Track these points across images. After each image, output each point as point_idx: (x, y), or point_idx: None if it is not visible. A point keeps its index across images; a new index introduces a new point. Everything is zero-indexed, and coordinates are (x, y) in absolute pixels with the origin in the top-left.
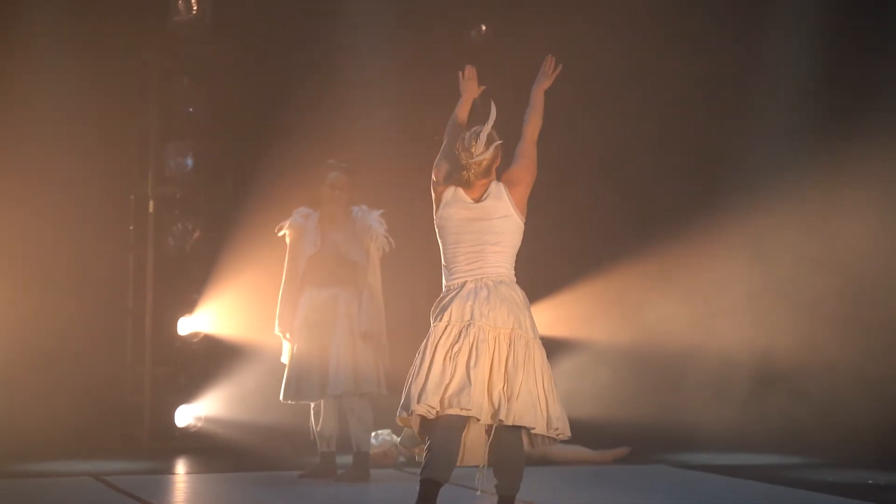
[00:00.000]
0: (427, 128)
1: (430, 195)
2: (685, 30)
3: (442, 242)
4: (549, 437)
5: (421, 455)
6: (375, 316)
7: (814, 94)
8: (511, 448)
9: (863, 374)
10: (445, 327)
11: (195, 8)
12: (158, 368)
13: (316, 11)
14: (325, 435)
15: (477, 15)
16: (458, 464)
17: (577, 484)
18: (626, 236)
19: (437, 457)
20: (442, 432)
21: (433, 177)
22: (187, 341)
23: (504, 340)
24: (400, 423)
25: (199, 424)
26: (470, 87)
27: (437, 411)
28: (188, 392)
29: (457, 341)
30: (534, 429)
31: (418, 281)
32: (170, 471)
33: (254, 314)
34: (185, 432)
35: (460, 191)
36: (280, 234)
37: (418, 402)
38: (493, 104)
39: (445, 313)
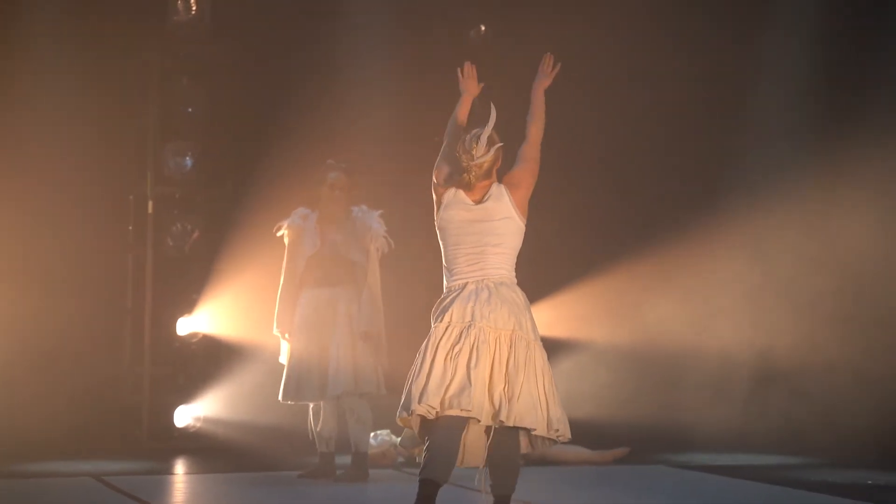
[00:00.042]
0: (427, 128)
1: (431, 196)
2: (685, 30)
3: (443, 244)
4: (549, 439)
5: (421, 456)
6: (375, 316)
7: (814, 94)
8: (508, 449)
9: (863, 373)
10: (446, 328)
11: (194, 8)
12: (157, 368)
13: (315, 11)
14: (325, 435)
15: (476, 15)
16: (458, 465)
17: (576, 484)
18: (625, 236)
19: (436, 457)
20: (442, 433)
21: (434, 178)
22: (186, 341)
23: (505, 342)
24: (400, 424)
25: (198, 425)
26: (469, 87)
27: (437, 412)
28: (187, 392)
29: (457, 342)
30: (534, 430)
31: (417, 281)
32: (169, 471)
33: (253, 314)
34: (184, 432)
35: (461, 192)
36: (279, 234)
37: (419, 402)
38: (492, 106)
39: (446, 314)
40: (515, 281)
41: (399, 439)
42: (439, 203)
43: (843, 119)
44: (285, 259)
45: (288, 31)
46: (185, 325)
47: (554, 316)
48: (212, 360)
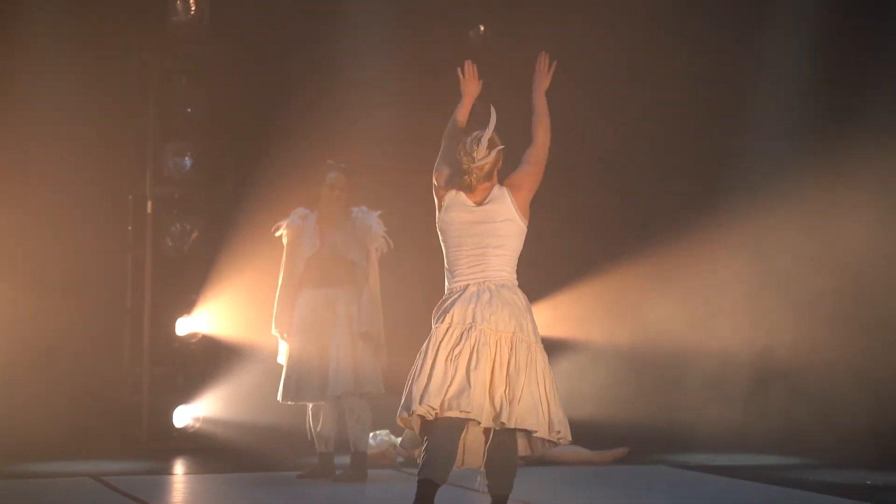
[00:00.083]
0: (426, 128)
1: (430, 196)
2: (685, 30)
3: (444, 246)
4: (549, 441)
5: (421, 457)
6: (375, 316)
7: (814, 94)
8: (507, 449)
9: (862, 373)
10: (447, 329)
11: (193, 8)
12: (156, 369)
13: (315, 11)
14: (324, 435)
15: (476, 15)
16: (458, 466)
17: (576, 484)
18: (625, 236)
19: (434, 457)
20: (441, 433)
21: (434, 181)
22: (185, 342)
23: (505, 344)
24: (400, 424)
25: (198, 425)
26: (470, 88)
27: (437, 413)
28: (186, 392)
29: (458, 343)
30: (536, 432)
31: (416, 281)
32: (168, 471)
33: (252, 315)
34: (184, 433)
35: (462, 194)
36: (277, 234)
37: (420, 403)
38: (492, 108)
39: (447, 315)
40: (517, 283)
41: (398, 439)
42: (440, 205)
43: (843, 119)
44: (284, 259)
45: (287, 31)
46: (185, 326)
47: (554, 316)
48: (211, 360)
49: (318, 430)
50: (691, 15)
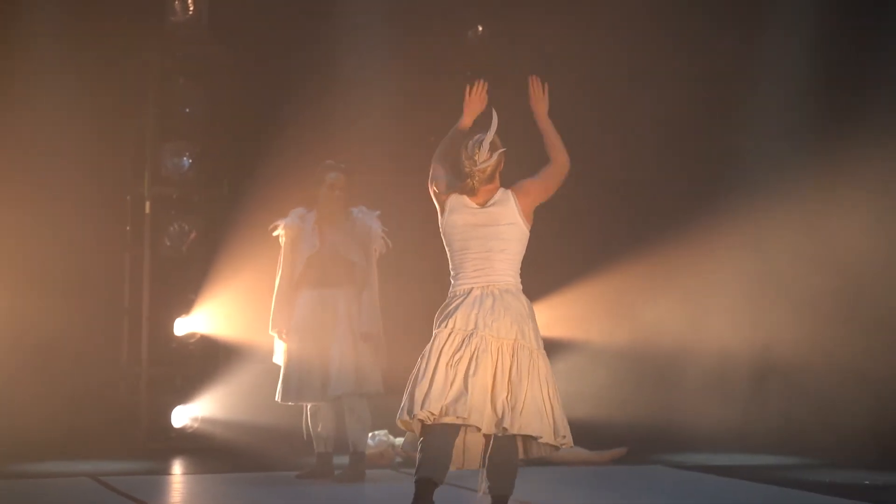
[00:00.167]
0: (425, 128)
1: (429, 197)
2: (685, 30)
3: (449, 249)
4: (550, 445)
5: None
6: (375, 317)
7: (814, 94)
8: (507, 450)
9: (862, 373)
10: (449, 334)
11: (192, 8)
12: (155, 369)
13: (313, 11)
14: (323, 436)
15: (476, 15)
16: (458, 467)
17: (575, 484)
18: (625, 236)
19: (430, 457)
20: (437, 436)
21: (434, 187)
22: (184, 342)
23: (507, 351)
24: (400, 426)
25: (196, 425)
26: (474, 107)
27: (436, 418)
28: (184, 393)
29: (459, 349)
30: (541, 438)
31: (415, 281)
32: (166, 471)
33: (250, 315)
34: (182, 433)
35: (464, 197)
36: (275, 234)
37: (422, 407)
38: (494, 111)
39: (450, 320)
40: (521, 287)
41: (397, 440)
42: (443, 209)
43: (843, 119)
44: (282, 259)
45: (286, 32)
46: (183, 326)
47: (553, 316)
48: (209, 360)
49: (318, 430)
50: (691, 15)
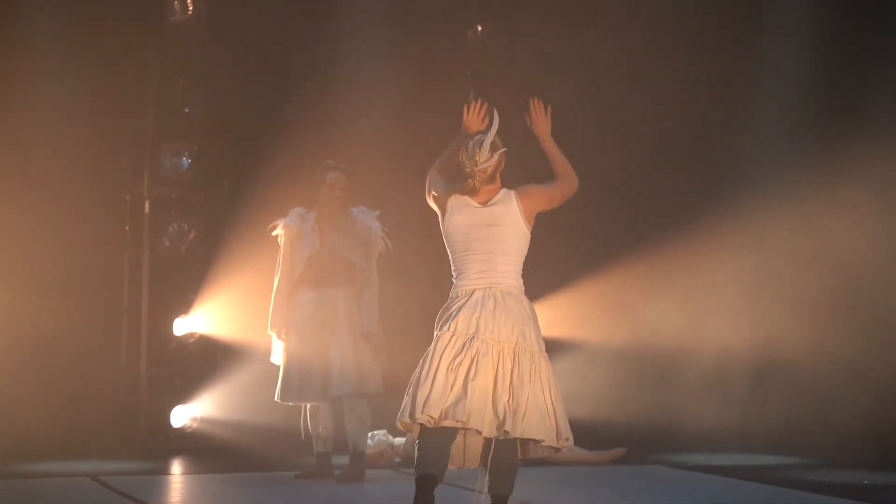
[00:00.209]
0: (424, 128)
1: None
2: (685, 30)
3: (451, 250)
4: (550, 447)
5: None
6: (375, 316)
7: (814, 94)
8: (507, 451)
9: (862, 373)
10: (451, 337)
11: (191, 8)
12: (154, 369)
13: (313, 11)
14: (323, 436)
15: (475, 15)
16: (459, 466)
17: (574, 484)
18: (624, 236)
19: (429, 454)
20: (435, 436)
21: (433, 193)
22: (183, 342)
23: (508, 354)
24: (400, 427)
25: (195, 425)
26: (473, 126)
27: (435, 422)
28: (184, 393)
29: (459, 353)
30: (544, 441)
31: (414, 281)
32: (166, 471)
33: (250, 315)
34: (181, 433)
35: (465, 197)
36: (274, 233)
37: (422, 411)
38: (495, 112)
39: (452, 322)
40: (523, 288)
41: (396, 440)
42: (444, 212)
43: (843, 119)
44: (281, 258)
45: (285, 31)
46: (182, 326)
47: (553, 316)
48: (208, 360)
49: (317, 430)
50: (691, 15)
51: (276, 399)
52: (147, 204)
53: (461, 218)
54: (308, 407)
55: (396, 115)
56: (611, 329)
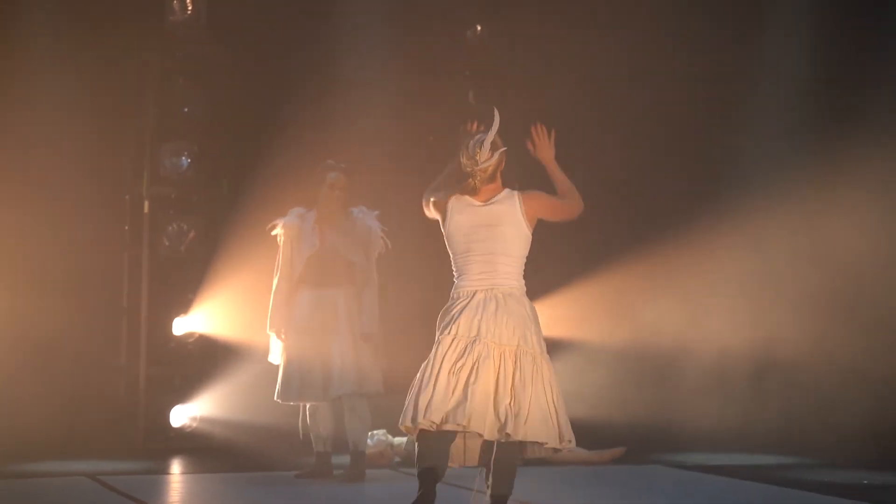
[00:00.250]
0: (424, 128)
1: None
2: (685, 30)
3: (452, 251)
4: (551, 448)
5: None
6: (375, 316)
7: (813, 93)
8: (508, 450)
9: (862, 373)
10: (452, 341)
11: (190, 8)
12: (153, 368)
13: (312, 11)
14: (323, 435)
15: (475, 15)
16: (461, 464)
17: (574, 484)
18: (624, 236)
19: (428, 451)
20: (435, 435)
21: (432, 199)
22: (182, 341)
23: (509, 357)
24: (402, 430)
25: (194, 425)
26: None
27: (437, 426)
28: (183, 392)
29: (461, 357)
30: (547, 444)
31: (414, 281)
32: (165, 471)
33: (249, 314)
34: (180, 432)
35: (466, 197)
36: (273, 233)
37: (424, 416)
38: (496, 111)
39: (453, 326)
40: (524, 289)
41: (395, 439)
42: (444, 215)
43: (843, 119)
44: (280, 257)
45: (285, 31)
46: (182, 325)
47: (553, 316)
48: (208, 360)
49: (317, 430)
50: (691, 15)
51: (275, 398)
52: (146, 204)
53: (463, 217)
54: (308, 407)
55: (396, 114)
56: (611, 329)
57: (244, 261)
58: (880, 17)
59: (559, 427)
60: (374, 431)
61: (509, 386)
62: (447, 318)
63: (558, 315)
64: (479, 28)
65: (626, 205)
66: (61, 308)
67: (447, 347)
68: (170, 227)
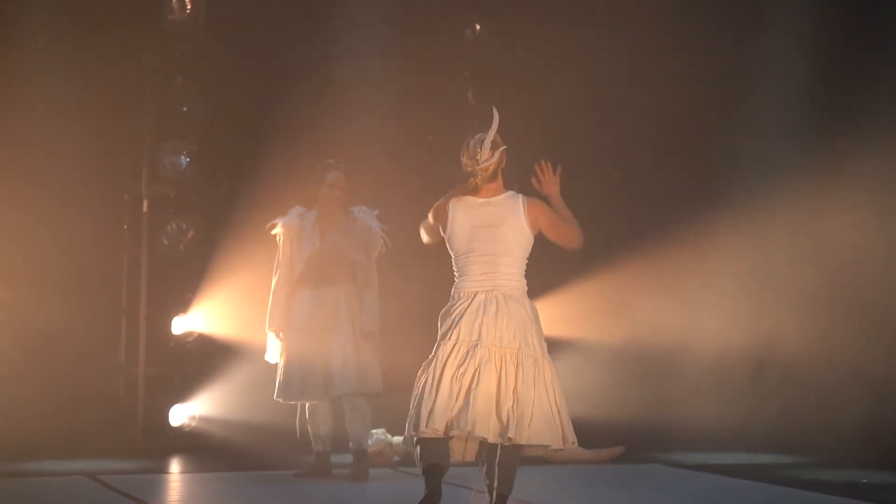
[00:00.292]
0: (423, 128)
1: (426, 195)
2: (685, 30)
3: (454, 253)
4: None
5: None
6: (376, 316)
7: (813, 93)
8: (509, 451)
9: (861, 372)
10: (454, 346)
11: (189, 7)
12: (152, 368)
13: (311, 10)
14: (322, 434)
15: (475, 14)
16: (460, 459)
17: (573, 483)
18: (624, 235)
19: (430, 449)
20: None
21: (431, 212)
22: (181, 341)
23: (511, 360)
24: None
25: (193, 424)
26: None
27: (441, 434)
28: (182, 391)
29: (463, 362)
30: (552, 446)
31: (414, 281)
32: (164, 470)
33: (248, 314)
34: (180, 431)
35: (467, 197)
36: (273, 232)
37: (426, 425)
38: (495, 110)
39: (454, 330)
40: (526, 289)
41: (394, 438)
42: (445, 217)
43: (843, 119)
44: (280, 257)
45: (284, 31)
46: (181, 325)
47: (553, 315)
48: (207, 359)
49: (318, 429)
50: (691, 15)
51: (275, 398)
52: (145, 203)
53: (464, 216)
54: (307, 406)
55: (395, 114)
56: (610, 328)
57: (243, 260)
58: (880, 18)
59: (562, 428)
60: (374, 431)
61: (511, 389)
62: (448, 321)
63: (558, 314)
64: (478, 27)
65: (625, 204)
66: (60, 307)
67: (448, 353)
68: (169, 227)
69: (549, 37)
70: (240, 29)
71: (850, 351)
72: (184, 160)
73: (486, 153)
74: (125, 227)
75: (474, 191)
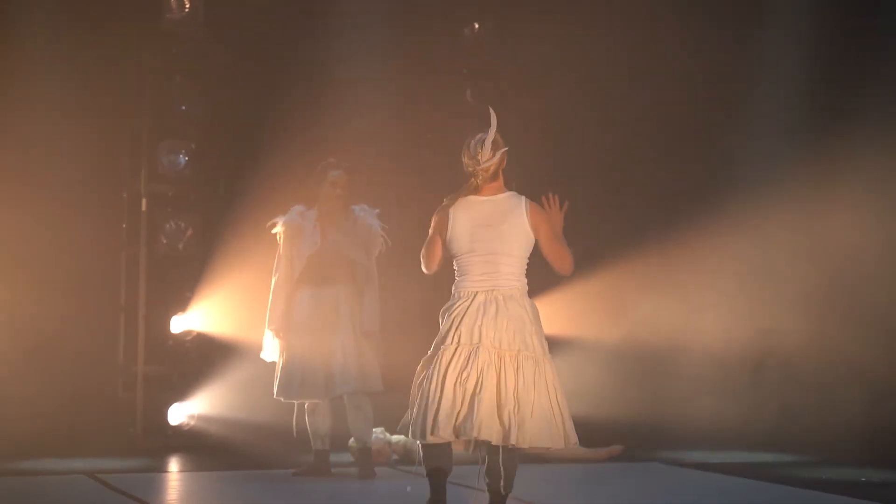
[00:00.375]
0: (423, 127)
1: (426, 195)
2: (685, 30)
3: (455, 254)
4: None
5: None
6: (377, 315)
7: (813, 93)
8: (510, 452)
9: (860, 371)
10: (455, 350)
11: (188, 6)
12: (151, 367)
13: (310, 10)
14: (321, 433)
15: (475, 14)
16: (463, 451)
17: (572, 482)
18: (624, 234)
19: (432, 451)
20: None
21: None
22: (180, 339)
23: (511, 363)
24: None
25: (192, 422)
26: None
27: (447, 440)
28: (181, 390)
29: (465, 366)
30: (552, 447)
31: (414, 280)
32: (163, 469)
33: (247, 312)
34: (178, 430)
35: (469, 197)
36: (273, 231)
37: (432, 433)
38: (492, 110)
39: (455, 333)
40: (526, 289)
41: (394, 437)
42: (447, 221)
43: (842, 119)
44: (280, 255)
45: (283, 30)
46: (179, 323)
47: (552, 313)
48: (206, 357)
49: (317, 428)
50: (691, 15)
51: (275, 396)
52: (144, 202)
53: (465, 215)
54: (307, 404)
55: (395, 113)
56: (609, 326)
57: (242, 259)
58: (880, 17)
59: (563, 428)
60: (373, 429)
61: (512, 390)
62: (448, 323)
63: (557, 312)
64: (477, 26)
65: (625, 204)
66: (59, 306)
67: (450, 357)
68: (167, 225)
69: (548, 36)
70: (239, 28)
71: (849, 350)
72: (182, 159)
73: (487, 153)
74: (124, 226)
75: (475, 190)
